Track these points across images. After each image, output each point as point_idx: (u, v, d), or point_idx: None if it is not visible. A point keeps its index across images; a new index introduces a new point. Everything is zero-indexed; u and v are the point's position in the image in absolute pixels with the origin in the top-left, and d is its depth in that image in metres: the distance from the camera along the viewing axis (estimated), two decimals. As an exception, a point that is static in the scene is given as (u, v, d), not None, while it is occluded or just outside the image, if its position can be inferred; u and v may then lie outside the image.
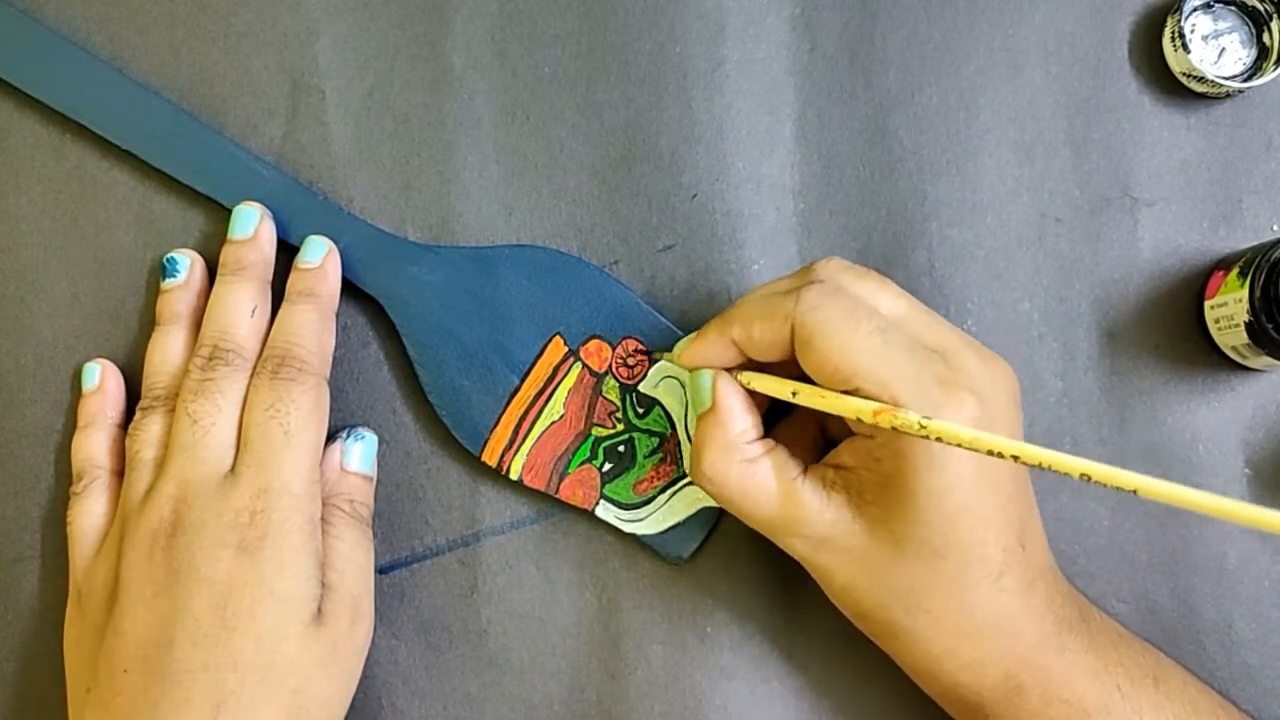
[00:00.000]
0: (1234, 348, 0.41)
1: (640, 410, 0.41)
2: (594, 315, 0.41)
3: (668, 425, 0.41)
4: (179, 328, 0.40)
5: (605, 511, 0.41)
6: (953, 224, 0.43)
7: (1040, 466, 0.30)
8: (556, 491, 0.41)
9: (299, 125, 0.43)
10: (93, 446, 0.40)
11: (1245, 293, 0.38)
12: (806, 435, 0.39)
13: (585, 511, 0.41)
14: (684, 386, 0.41)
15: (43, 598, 0.42)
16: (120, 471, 0.40)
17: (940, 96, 0.43)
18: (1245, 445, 0.42)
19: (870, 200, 0.43)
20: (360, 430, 0.41)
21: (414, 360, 0.41)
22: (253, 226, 0.40)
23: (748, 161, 0.43)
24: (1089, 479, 0.29)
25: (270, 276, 0.41)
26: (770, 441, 0.37)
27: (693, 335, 0.38)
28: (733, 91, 0.43)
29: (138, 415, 0.40)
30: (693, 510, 0.41)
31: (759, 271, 0.42)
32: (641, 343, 0.41)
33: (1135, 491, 0.28)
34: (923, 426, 0.31)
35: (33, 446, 0.42)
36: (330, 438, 0.40)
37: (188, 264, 0.41)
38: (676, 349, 0.38)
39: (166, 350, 0.40)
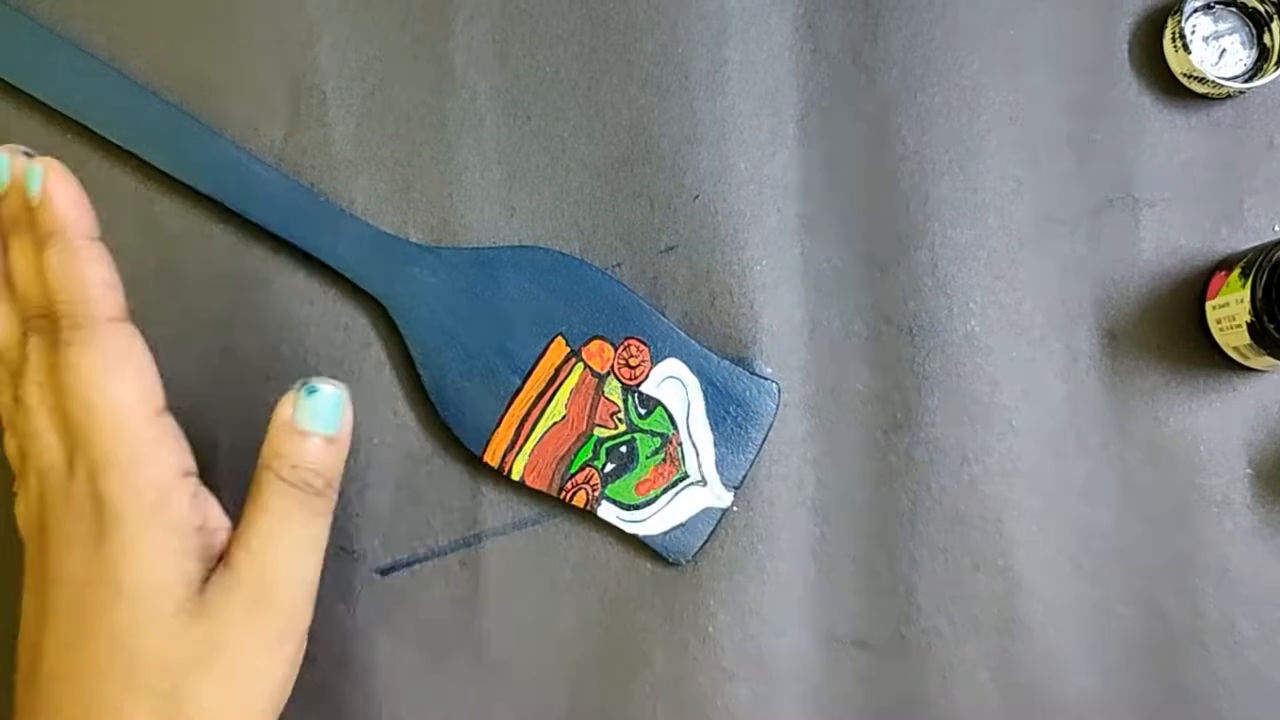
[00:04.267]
0: (1235, 348, 0.41)
1: (642, 411, 0.41)
2: (596, 316, 0.41)
3: (670, 426, 0.41)
4: None
5: (607, 512, 0.41)
6: (955, 224, 0.43)
7: None
8: (559, 492, 0.41)
9: (300, 126, 0.43)
10: None
11: (1247, 293, 0.38)
12: None
13: (587, 512, 0.41)
14: (686, 387, 0.41)
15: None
16: None
17: (942, 97, 0.43)
18: (1247, 446, 0.42)
19: (873, 201, 0.43)
20: (316, 382, 0.33)
21: (416, 361, 0.41)
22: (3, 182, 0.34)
23: (750, 162, 0.43)
24: None
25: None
26: None
27: None
28: (735, 92, 0.43)
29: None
30: (695, 511, 0.41)
31: (761, 272, 0.42)
32: (644, 343, 0.41)
33: None
34: None
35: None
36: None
37: None
38: None
39: None
